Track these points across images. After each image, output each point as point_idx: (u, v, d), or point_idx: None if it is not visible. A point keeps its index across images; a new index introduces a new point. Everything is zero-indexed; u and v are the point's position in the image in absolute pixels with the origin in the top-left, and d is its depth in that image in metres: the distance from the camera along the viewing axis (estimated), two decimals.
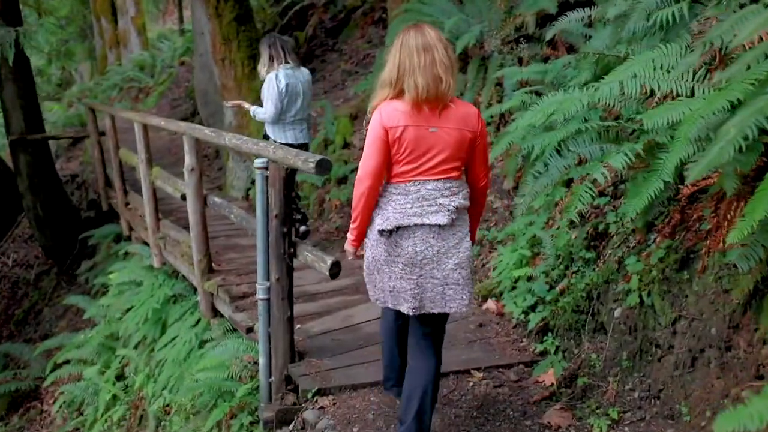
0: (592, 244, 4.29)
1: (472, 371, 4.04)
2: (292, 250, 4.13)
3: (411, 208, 2.97)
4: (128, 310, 6.79)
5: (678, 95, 3.02)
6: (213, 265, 5.97)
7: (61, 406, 6.98)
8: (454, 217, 2.99)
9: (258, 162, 4.12)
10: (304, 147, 5.98)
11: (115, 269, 7.76)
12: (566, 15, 4.89)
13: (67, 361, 7.30)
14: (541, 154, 4.29)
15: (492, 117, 6.47)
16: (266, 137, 6.00)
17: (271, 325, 4.25)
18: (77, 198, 12.15)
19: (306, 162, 3.67)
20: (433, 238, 2.98)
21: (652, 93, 3.91)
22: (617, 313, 3.77)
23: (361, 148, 5.03)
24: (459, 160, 3.01)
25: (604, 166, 3.18)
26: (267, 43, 5.79)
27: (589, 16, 5.45)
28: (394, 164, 3.00)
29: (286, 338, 4.21)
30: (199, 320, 6.04)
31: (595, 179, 3.27)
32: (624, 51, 3.86)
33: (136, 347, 6.74)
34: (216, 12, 8.30)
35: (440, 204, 2.97)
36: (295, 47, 12.27)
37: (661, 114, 2.75)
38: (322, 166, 3.62)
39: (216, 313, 5.80)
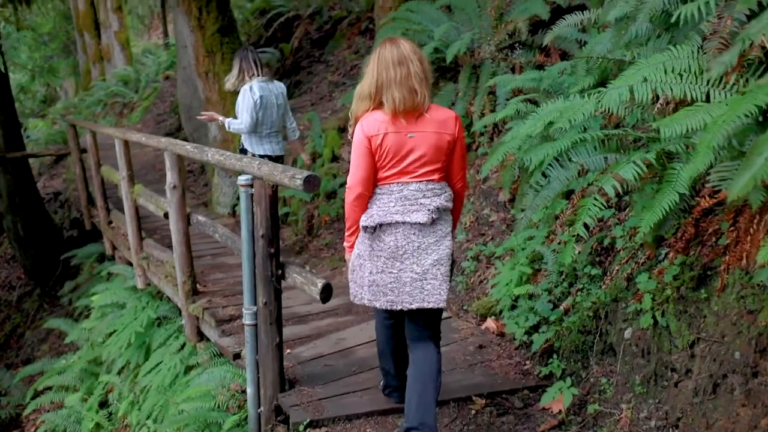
0: (597, 259, 4.05)
1: (473, 398, 3.77)
2: (280, 271, 3.86)
3: (394, 206, 3.12)
4: (111, 333, 6.48)
5: (693, 100, 2.79)
6: (198, 286, 5.70)
7: None
8: (435, 216, 3.13)
9: (242, 179, 3.86)
10: (279, 159, 5.99)
11: (98, 291, 7.44)
12: (564, 19, 4.65)
13: (49, 388, 6.98)
14: (539, 165, 4.04)
15: (485, 127, 6.24)
16: (243, 150, 5.91)
17: (259, 352, 3.97)
18: (60, 216, 11.83)
19: (293, 179, 3.41)
20: (414, 234, 3.12)
21: (656, 98, 3.69)
22: (628, 333, 3.52)
23: (350, 161, 5.46)
24: (439, 162, 3.16)
25: (614, 177, 2.94)
26: (239, 56, 5.82)
27: (583, 21, 5.21)
28: (379, 169, 3.14)
29: (275, 366, 3.94)
30: (184, 344, 5.75)
31: (604, 191, 3.03)
32: (629, 55, 3.63)
33: (119, 373, 6.44)
34: (199, 24, 8.04)
35: (421, 204, 3.12)
36: (280, 59, 12.05)
37: (679, 121, 2.51)
38: (310, 183, 3.36)
39: (202, 336, 5.52)
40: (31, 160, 16.73)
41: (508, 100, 6.15)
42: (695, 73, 2.91)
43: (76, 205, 10.88)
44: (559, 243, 4.43)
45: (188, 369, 5.57)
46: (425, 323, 3.28)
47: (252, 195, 3.84)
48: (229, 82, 5.83)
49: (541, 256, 4.50)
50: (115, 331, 6.40)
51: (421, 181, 3.13)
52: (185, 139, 9.25)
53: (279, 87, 5.96)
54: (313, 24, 12.24)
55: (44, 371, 7.44)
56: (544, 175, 5.07)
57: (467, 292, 5.23)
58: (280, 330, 3.92)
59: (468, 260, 5.43)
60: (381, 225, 3.14)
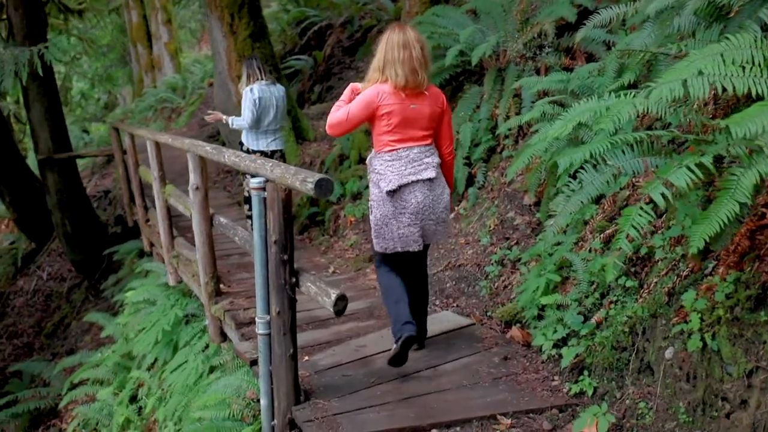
0: (632, 269, 3.43)
1: (498, 417, 3.19)
2: (293, 279, 3.31)
3: (406, 169, 3.44)
4: (142, 329, 6.02)
5: (759, 96, 2.17)
6: (222, 286, 5.19)
7: (75, 428, 6.21)
8: (438, 171, 3.53)
9: (254, 182, 3.32)
10: (278, 153, 6.13)
11: (134, 286, 7.00)
12: (597, 13, 4.02)
13: (85, 381, 6.54)
14: (568, 169, 3.42)
15: (510, 129, 5.63)
16: (241, 144, 6.08)
17: (273, 362, 3.44)
18: (108, 214, 11.46)
19: (304, 182, 2.86)
20: (427, 189, 3.49)
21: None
22: (669, 354, 2.91)
23: None
24: (431, 129, 3.54)
25: (664, 184, 2.33)
26: (246, 64, 6.02)
27: (612, 19, 4.55)
28: (384, 134, 3.46)
29: (289, 377, 3.39)
30: (209, 344, 5.26)
31: (650, 199, 2.42)
32: (675, 48, 3.00)
33: (149, 369, 5.97)
34: (231, 29, 7.54)
35: (426, 163, 3.48)
36: (313, 66, 11.53)
37: (753, 119, 1.92)
38: (322, 188, 2.81)
39: (225, 337, 5.01)
40: (86, 161, 16.52)
41: (533, 102, 5.54)
42: (760, 64, 2.29)
43: (121, 203, 10.48)
44: (589, 250, 3.81)
45: (212, 369, 5.08)
46: (420, 259, 3.80)
47: (265, 199, 3.30)
48: (241, 87, 6.06)
49: (570, 264, 3.89)
50: (144, 327, 5.92)
51: (421, 145, 3.49)
52: (223, 143, 8.79)
53: (279, 90, 6.04)
54: (344, 32, 11.70)
55: (82, 363, 7.02)
56: (573, 177, 4.46)
57: (491, 297, 4.63)
58: (294, 340, 3.37)
59: (492, 264, 4.83)
60: (400, 186, 3.45)
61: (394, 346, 3.49)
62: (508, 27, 6.17)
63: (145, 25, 20.17)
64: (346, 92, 3.60)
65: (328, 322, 4.56)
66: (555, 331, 3.58)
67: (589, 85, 4.88)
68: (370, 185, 3.60)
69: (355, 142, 7.26)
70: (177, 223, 7.00)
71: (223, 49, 7.66)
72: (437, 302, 4.83)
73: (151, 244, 7.87)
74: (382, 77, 3.40)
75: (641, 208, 2.41)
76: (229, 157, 3.93)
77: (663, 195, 2.32)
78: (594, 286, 3.61)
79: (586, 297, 3.60)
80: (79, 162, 16.78)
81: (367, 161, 3.67)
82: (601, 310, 3.44)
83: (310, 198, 7.20)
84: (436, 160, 3.54)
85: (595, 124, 2.71)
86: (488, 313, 4.46)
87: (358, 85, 3.59)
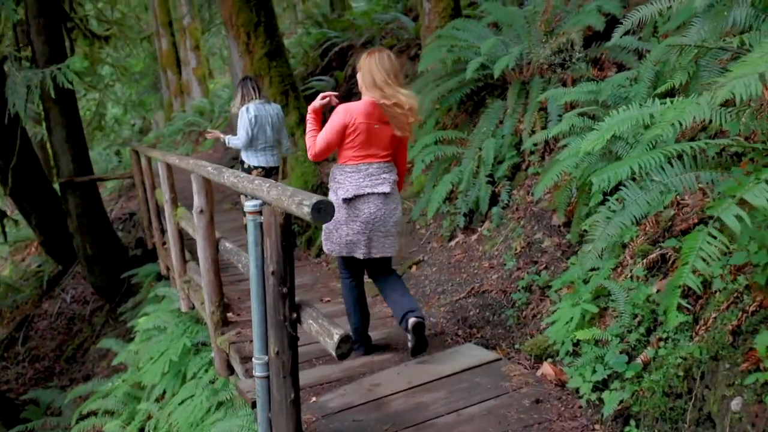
0: (684, 301, 2.87)
1: None
2: (294, 315, 2.82)
3: (363, 181, 3.59)
4: (151, 359, 5.56)
5: None
6: (230, 315, 4.72)
7: None
8: (393, 187, 3.66)
9: (249, 205, 2.85)
10: (275, 169, 6.09)
11: (148, 311, 6.58)
12: (629, 17, 3.51)
13: (94, 411, 6.10)
14: (605, 185, 2.88)
15: (536, 145, 5.11)
16: (242, 162, 6.02)
17: (272, 408, 2.94)
18: (131, 236, 11.13)
19: (300, 205, 2.38)
20: (381, 203, 3.61)
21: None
22: (736, 405, 2.34)
23: None
24: (392, 148, 3.67)
25: (740, 205, 1.79)
26: (240, 85, 5.96)
27: (643, 20, 4.01)
28: (349, 149, 3.59)
29: (289, 426, 2.88)
30: (217, 377, 4.78)
31: (720, 223, 1.89)
32: (736, 42, 2.48)
33: (157, 401, 5.50)
34: (247, 48, 7.16)
35: (383, 178, 3.62)
36: (335, 86, 11.14)
37: None
38: (321, 212, 2.32)
39: (232, 370, 4.52)
40: (113, 183, 16.32)
41: (560, 116, 5.03)
42: None
43: (142, 226, 10.13)
44: (630, 278, 3.26)
45: (219, 404, 4.59)
46: (383, 265, 3.89)
47: (261, 224, 2.82)
48: (235, 106, 5.99)
49: (608, 293, 3.34)
50: (153, 357, 5.47)
51: (380, 161, 3.63)
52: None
53: (275, 108, 6.00)
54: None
55: (94, 392, 6.58)
56: (606, 194, 3.93)
57: (519, 328, 4.09)
58: (295, 384, 2.87)
59: (519, 291, 4.29)
60: (356, 196, 3.58)
61: (409, 336, 3.71)
62: (532, 38, 5.67)
63: (174, 52, 20.08)
64: (310, 116, 3.74)
65: None
66: (594, 372, 3.03)
67: (621, 95, 4.36)
68: (330, 193, 3.74)
69: None
70: (191, 246, 6.58)
71: (240, 69, 7.28)
72: (459, 332, 4.29)
73: (167, 268, 7.47)
74: (372, 94, 3.54)
75: (710, 234, 1.87)
76: (228, 177, 3.47)
77: (737, 216, 1.79)
78: (638, 319, 3.05)
79: (629, 332, 3.05)
80: (108, 185, 16.62)
81: (331, 172, 3.80)
82: (648, 348, 2.88)
83: None
84: (394, 177, 3.70)
85: (653, 129, 2.18)
86: (516, 346, 3.92)
87: (316, 104, 3.75)
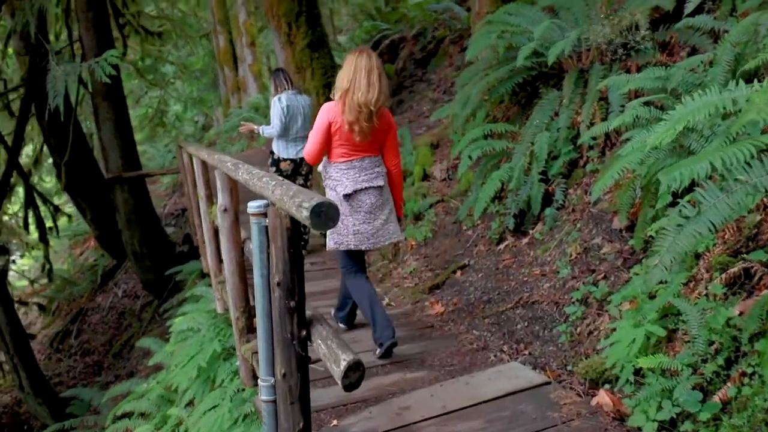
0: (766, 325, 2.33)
1: None
2: (303, 332, 2.43)
3: (360, 176, 3.70)
4: (181, 363, 5.30)
5: None
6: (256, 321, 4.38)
7: None
8: (385, 179, 3.80)
9: (253, 206, 2.47)
10: (304, 161, 5.76)
11: (186, 311, 6.35)
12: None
13: (129, 413, 5.90)
14: (677, 185, 2.36)
15: (594, 138, 4.57)
16: (272, 153, 5.96)
17: None
18: (181, 232, 11.05)
19: (300, 208, 1.98)
20: (378, 194, 3.76)
21: None
22: None
23: (443, 180, 5.92)
24: (380, 143, 3.76)
25: None
26: (273, 77, 5.99)
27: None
28: (338, 147, 3.68)
29: None
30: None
31: None
32: None
33: (188, 406, 5.24)
34: (288, 40, 6.85)
35: (376, 172, 3.75)
36: None
37: None
38: (321, 216, 1.92)
39: (258, 381, 4.18)
40: (168, 179, 16.41)
41: (623, 106, 4.47)
42: None
43: (190, 222, 10.01)
44: (706, 295, 2.73)
45: (245, 417, 4.27)
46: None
47: (266, 228, 2.44)
48: (270, 97, 6.07)
49: (679, 312, 2.81)
50: (183, 360, 5.20)
51: (372, 156, 3.73)
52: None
53: (306, 100, 5.94)
54: (417, 45, 10.85)
55: (131, 392, 6.40)
56: (676, 196, 3.40)
57: (572, 346, 3.58)
58: (305, 411, 2.48)
59: (573, 303, 3.78)
60: (356, 191, 3.70)
61: (378, 350, 3.78)
62: (592, 22, 5.10)
63: (231, 49, 20.11)
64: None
65: (369, 372, 3.62)
66: (660, 408, 2.52)
67: (694, 81, 3.78)
68: (327, 190, 3.82)
69: (420, 157, 6.35)
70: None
71: (282, 61, 6.98)
72: (505, 348, 3.82)
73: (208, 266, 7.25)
74: (344, 95, 3.56)
75: None
76: (242, 174, 3.11)
77: None
78: (715, 347, 2.52)
79: (704, 362, 2.52)
80: (164, 180, 16.73)
81: (320, 169, 3.85)
82: (728, 384, 2.35)
83: None
84: (384, 169, 3.82)
85: (742, 117, 1.68)
86: (568, 368, 3.42)
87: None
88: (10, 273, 13.49)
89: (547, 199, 4.74)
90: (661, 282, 3.10)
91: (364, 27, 12.59)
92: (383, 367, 3.69)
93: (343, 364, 2.10)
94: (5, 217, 12.44)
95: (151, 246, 9.29)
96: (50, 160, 11.34)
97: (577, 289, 3.84)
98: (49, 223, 10.38)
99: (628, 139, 3.86)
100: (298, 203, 2.00)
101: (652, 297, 3.03)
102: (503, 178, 4.95)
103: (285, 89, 5.78)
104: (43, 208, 10.42)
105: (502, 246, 4.91)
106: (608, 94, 4.62)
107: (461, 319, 4.30)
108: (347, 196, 3.68)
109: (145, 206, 9.39)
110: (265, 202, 2.45)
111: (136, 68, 19.41)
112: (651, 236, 3.54)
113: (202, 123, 30.74)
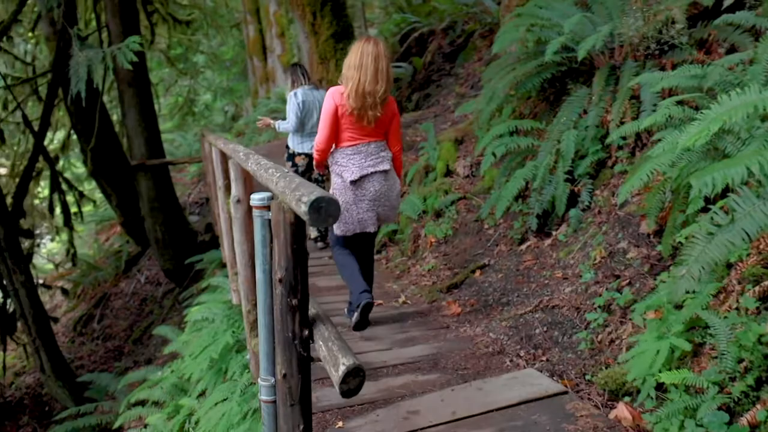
0: None
1: None
2: (305, 332, 2.32)
3: (366, 161, 3.76)
4: (195, 353, 5.26)
5: None
6: None
7: None
8: (391, 164, 3.86)
9: (255, 199, 2.37)
10: None
11: (202, 300, 6.32)
12: None
13: (143, 400, 5.89)
14: (710, 190, 2.20)
15: (624, 138, 4.39)
16: (287, 147, 5.96)
17: None
18: (204, 221, 11.06)
19: (299, 202, 1.87)
20: (383, 179, 3.82)
21: None
22: None
23: (466, 176, 5.77)
24: (385, 128, 3.83)
25: None
26: (290, 71, 5.98)
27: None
28: (345, 131, 3.74)
29: None
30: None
31: None
32: None
33: (199, 397, 5.19)
34: (312, 29, 6.75)
35: (382, 156, 3.81)
36: (413, 73, 10.59)
37: None
38: (321, 212, 1.81)
39: None
40: (195, 168, 16.47)
41: (655, 105, 4.27)
42: None
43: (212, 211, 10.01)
44: (736, 309, 2.55)
45: (254, 411, 4.19)
46: (370, 238, 4.09)
47: (269, 222, 2.33)
48: (286, 92, 6.00)
49: (706, 325, 2.64)
50: (195, 351, 5.15)
51: (377, 141, 3.77)
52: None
53: (322, 94, 5.86)
54: (446, 38, 10.67)
55: (146, 379, 6.40)
56: (708, 201, 3.23)
57: (592, 354, 3.42)
58: (306, 413, 2.36)
59: (595, 310, 3.62)
60: (361, 177, 3.73)
61: (355, 314, 3.80)
62: (626, 16, 4.89)
63: (261, 39, 20.11)
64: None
65: (379, 373, 3.52)
66: (682, 427, 2.36)
67: (733, 81, 3.58)
68: (333, 176, 3.86)
69: (443, 152, 6.20)
70: None
71: (306, 51, 6.88)
72: (522, 353, 3.66)
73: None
74: (350, 81, 3.60)
75: None
76: (251, 164, 3.01)
77: None
78: (744, 365, 2.35)
79: (732, 380, 2.35)
80: (190, 168, 16.80)
81: (330, 156, 3.88)
82: (758, 407, 2.18)
83: None
84: (390, 154, 3.86)
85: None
86: (587, 377, 3.26)
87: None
88: (39, 257, 13.70)
89: (572, 200, 4.56)
90: (688, 292, 2.92)
91: (392, 19, 12.42)
92: (394, 368, 3.57)
93: (342, 369, 1.99)
94: (35, 201, 12.61)
95: (172, 234, 9.30)
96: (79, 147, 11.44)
97: (600, 295, 3.67)
98: (74, 209, 10.46)
99: (659, 140, 3.67)
100: (298, 197, 1.89)
101: (678, 307, 2.86)
102: (527, 176, 4.78)
103: (301, 84, 5.78)
104: (70, 194, 10.50)
105: (523, 246, 4.75)
106: (640, 92, 4.42)
107: (478, 320, 4.16)
108: (353, 182, 3.75)
109: (168, 194, 9.40)
110: (268, 194, 2.34)
111: (167, 57, 19.61)
112: (680, 243, 3.36)
113: (231, 113, 30.92)
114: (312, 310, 2.43)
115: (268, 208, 2.34)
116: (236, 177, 3.93)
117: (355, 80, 3.55)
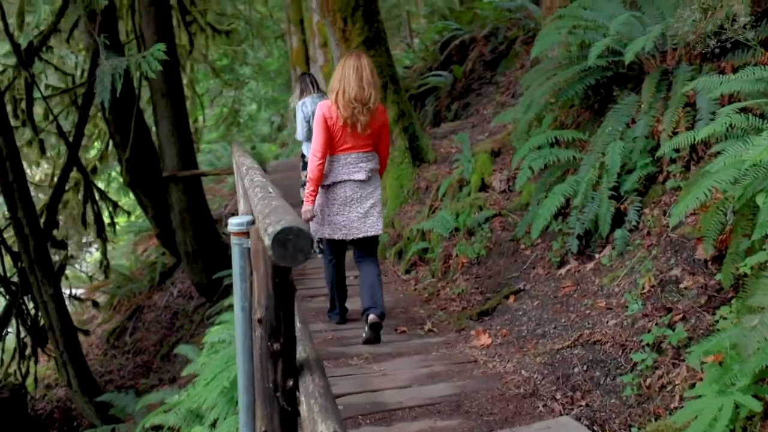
0: None
1: None
2: (290, 382, 1.96)
3: (342, 169, 3.99)
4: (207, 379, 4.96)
5: None
6: None
7: None
8: (370, 175, 4.04)
9: (233, 224, 2.04)
10: None
11: (225, 320, 6.04)
12: None
13: (155, 426, 5.62)
14: None
15: (678, 151, 3.91)
16: (303, 156, 5.98)
17: None
18: None
19: (264, 233, 1.53)
20: (357, 187, 4.02)
21: None
22: None
23: (502, 191, 5.47)
24: (372, 139, 4.05)
25: None
26: (300, 80, 6.07)
27: None
28: (332, 141, 3.96)
29: None
30: None
31: None
32: None
33: (212, 425, 4.89)
34: (343, 36, 6.44)
35: (360, 167, 4.01)
36: (453, 82, 10.20)
37: None
38: (287, 246, 1.45)
39: None
40: (231, 179, 16.39)
41: (713, 113, 3.79)
42: None
43: None
44: None
45: None
46: (367, 248, 4.18)
47: (249, 250, 1.99)
48: (293, 102, 6.13)
49: None
50: (208, 377, 4.85)
51: (360, 152, 4.01)
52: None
53: None
54: (488, 45, 10.25)
55: (164, 402, 6.13)
56: None
57: (639, 401, 2.96)
58: None
59: (643, 349, 3.16)
60: (334, 183, 4.01)
61: (365, 331, 4.05)
62: (680, 15, 4.41)
63: (304, 50, 20.00)
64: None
65: (393, 416, 3.14)
66: None
67: None
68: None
69: (478, 165, 5.79)
70: None
71: (337, 58, 6.59)
72: (557, 395, 3.23)
73: None
74: (336, 94, 3.86)
75: None
76: (246, 181, 2.70)
77: None
78: None
79: None
80: (229, 179, 16.75)
81: None
82: None
83: (420, 230, 5.81)
84: (372, 165, 4.05)
85: None
86: (633, 429, 2.81)
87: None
88: (76, 267, 13.77)
89: (618, 220, 4.10)
90: (753, 327, 2.45)
91: (433, 27, 12.07)
92: (411, 410, 3.18)
93: None
94: (74, 212, 12.67)
95: (203, 247, 9.10)
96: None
97: (649, 331, 3.20)
98: (107, 220, 10.42)
99: (718, 153, 3.22)
100: (265, 226, 1.54)
101: (742, 355, 2.39)
102: (567, 192, 4.34)
103: (310, 93, 5.81)
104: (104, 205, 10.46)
105: (563, 270, 4.30)
106: (696, 98, 3.95)
107: (509, 354, 3.74)
108: (324, 187, 4.00)
109: (200, 206, 9.22)
110: (249, 218, 2.00)
111: (212, 68, 19.71)
112: (744, 273, 2.89)
113: (278, 123, 31.09)
114: (302, 354, 2.07)
115: (247, 234, 2.01)
116: (242, 193, 3.64)
117: (340, 90, 3.83)
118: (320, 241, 6.06)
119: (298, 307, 2.52)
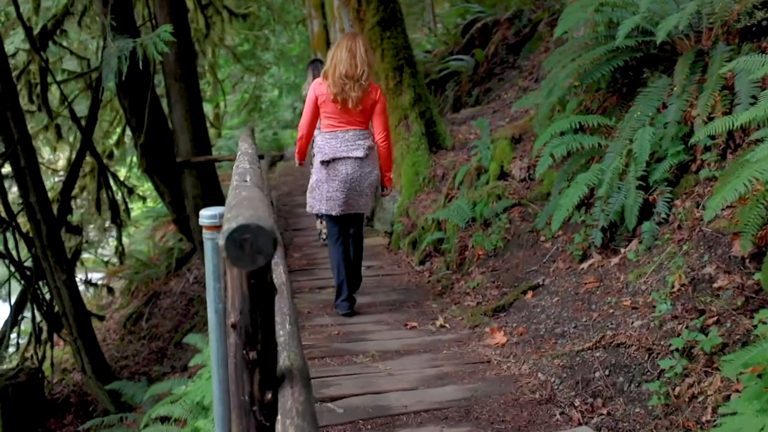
0: None
1: None
2: (269, 395, 1.73)
3: (340, 146, 4.05)
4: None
5: None
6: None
7: None
8: (368, 152, 4.09)
9: (204, 216, 1.80)
10: None
11: None
12: None
13: (161, 417, 5.47)
14: None
15: (713, 138, 3.59)
16: (314, 141, 5.93)
17: None
18: None
19: (222, 229, 1.28)
20: (357, 165, 4.07)
21: None
22: None
23: (522, 180, 5.24)
24: (367, 115, 4.13)
25: None
26: (311, 67, 6.04)
27: None
28: (326, 118, 4.10)
29: None
30: None
31: None
32: None
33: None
34: (357, 16, 6.18)
35: (358, 144, 4.07)
36: (475, 66, 9.86)
37: None
38: (243, 247, 1.21)
39: None
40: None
41: (754, 97, 3.46)
42: None
43: None
44: None
45: None
46: (356, 221, 4.37)
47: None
48: (305, 90, 6.00)
49: None
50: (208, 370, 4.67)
51: (356, 129, 4.08)
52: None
53: None
54: (511, 28, 9.88)
55: (172, 392, 5.99)
56: None
57: (666, 412, 2.69)
58: None
59: (672, 354, 2.88)
60: (333, 159, 4.06)
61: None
62: None
63: (325, 34, 19.69)
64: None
65: (397, 421, 2.90)
66: None
67: None
68: (314, 157, 4.19)
69: (497, 152, 5.49)
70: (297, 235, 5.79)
71: None
72: (576, 402, 2.97)
73: None
74: (328, 70, 3.97)
75: None
76: (236, 172, 2.46)
77: None
78: None
79: None
80: None
81: (314, 138, 4.23)
82: None
83: (436, 220, 5.55)
84: (369, 143, 4.11)
85: None
86: None
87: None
88: (99, 251, 13.77)
89: (646, 212, 3.79)
90: None
91: (455, 9, 11.71)
92: (416, 415, 2.94)
93: None
94: (92, 197, 12.61)
95: None
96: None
97: (679, 335, 2.92)
98: (122, 206, 10.31)
99: (759, 140, 2.91)
100: (225, 222, 1.30)
101: None
102: (592, 181, 4.04)
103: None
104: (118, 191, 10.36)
105: (585, 265, 4.00)
106: (734, 81, 3.62)
107: (525, 355, 3.48)
108: (324, 163, 4.05)
109: (213, 192, 9.06)
110: (221, 210, 1.77)
111: (233, 53, 19.52)
112: None
113: (300, 109, 30.89)
114: (285, 362, 1.84)
115: (220, 228, 1.77)
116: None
117: (332, 67, 3.94)
118: (323, 225, 5.91)
119: (297, 304, 2.29)
